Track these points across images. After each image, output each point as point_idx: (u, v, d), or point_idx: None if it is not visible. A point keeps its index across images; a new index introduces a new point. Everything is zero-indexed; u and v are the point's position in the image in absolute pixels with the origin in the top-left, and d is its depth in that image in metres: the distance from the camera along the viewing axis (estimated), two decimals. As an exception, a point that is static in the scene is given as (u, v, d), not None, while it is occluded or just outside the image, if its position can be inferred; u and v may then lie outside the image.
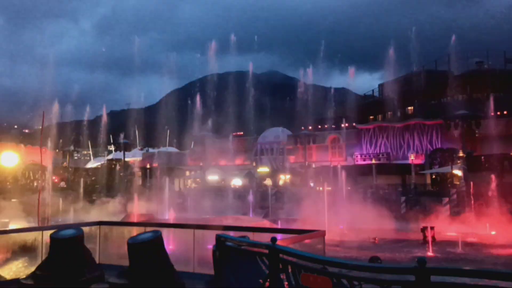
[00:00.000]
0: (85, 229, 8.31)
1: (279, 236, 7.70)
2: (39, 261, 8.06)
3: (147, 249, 6.59)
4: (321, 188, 42.38)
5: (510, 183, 37.07)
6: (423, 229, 23.94)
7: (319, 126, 65.70)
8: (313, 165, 58.05)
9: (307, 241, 7.82)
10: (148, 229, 7.64)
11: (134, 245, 6.66)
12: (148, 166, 43.61)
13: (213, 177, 56.02)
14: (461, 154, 44.87)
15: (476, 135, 52.99)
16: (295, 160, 62.89)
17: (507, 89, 61.22)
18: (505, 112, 56.44)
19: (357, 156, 61.17)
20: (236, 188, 54.96)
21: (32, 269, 7.86)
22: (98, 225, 9.59)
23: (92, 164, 49.87)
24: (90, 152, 56.27)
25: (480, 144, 52.68)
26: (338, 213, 28.74)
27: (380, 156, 59.11)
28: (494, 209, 27.26)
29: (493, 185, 33.97)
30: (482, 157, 46.72)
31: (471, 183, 38.60)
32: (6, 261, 11.63)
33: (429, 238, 23.24)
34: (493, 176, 36.63)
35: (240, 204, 38.95)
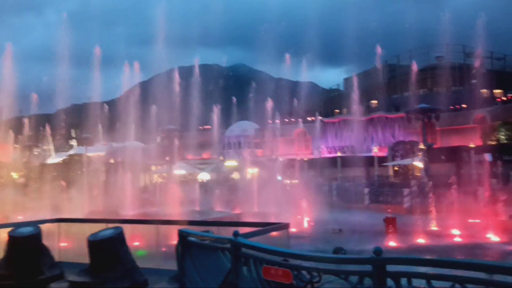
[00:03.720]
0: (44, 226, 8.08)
1: (244, 229, 7.72)
2: (-4, 261, 7.78)
3: (108, 246, 6.48)
4: (288, 181, 42.86)
5: (468, 174, 38.55)
6: (385, 220, 24.59)
7: (286, 120, 66.22)
8: (280, 158, 58.54)
9: (272, 233, 7.86)
10: (110, 225, 7.49)
11: (94, 242, 6.54)
12: (112, 161, 42.76)
13: (180, 172, 55.57)
14: (421, 146, 46.28)
15: (436, 128, 54.81)
16: (262, 153, 63.21)
17: (466, 83, 63.54)
18: (464, 106, 58.56)
19: (323, 149, 62.09)
20: (203, 182, 54.71)
21: (-12, 268, 7.59)
22: (57, 222, 9.35)
23: (53, 159, 48.46)
24: (51, 147, 54.61)
25: (440, 136, 54.52)
26: (304, 205, 29.11)
27: (345, 149, 60.23)
28: (453, 199, 28.26)
29: (452, 176, 35.15)
30: (441, 149, 48.30)
31: (431, 174, 39.89)
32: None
33: (391, 229, 23.90)
34: (452, 168, 37.99)
35: (207, 198, 38.83)
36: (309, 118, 66.84)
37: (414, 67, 59.93)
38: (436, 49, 73.99)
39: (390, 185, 42.17)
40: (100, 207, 27.25)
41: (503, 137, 48.63)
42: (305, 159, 53.14)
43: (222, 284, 4.93)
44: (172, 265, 6.60)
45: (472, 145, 42.56)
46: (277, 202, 30.16)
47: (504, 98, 64.44)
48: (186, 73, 59.51)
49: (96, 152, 44.77)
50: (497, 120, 51.34)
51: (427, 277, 3.33)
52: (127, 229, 7.09)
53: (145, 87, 52.85)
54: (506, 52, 77.05)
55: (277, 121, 62.71)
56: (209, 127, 70.61)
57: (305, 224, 27.23)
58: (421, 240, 21.11)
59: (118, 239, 6.63)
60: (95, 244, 6.50)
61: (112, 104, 50.38)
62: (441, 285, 3.58)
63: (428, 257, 3.58)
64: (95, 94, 46.02)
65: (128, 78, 47.13)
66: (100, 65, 44.62)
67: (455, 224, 25.89)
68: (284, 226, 8.10)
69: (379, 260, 3.45)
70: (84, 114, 47.62)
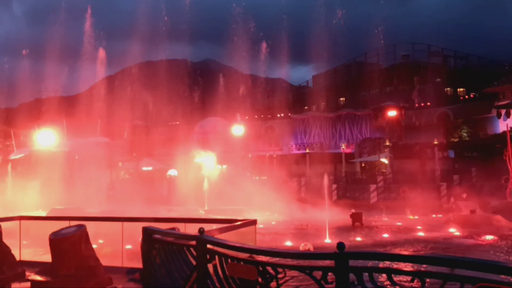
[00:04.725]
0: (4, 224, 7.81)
1: (211, 226, 7.68)
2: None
3: (70, 244, 6.32)
4: (257, 177, 42.97)
5: (432, 169, 39.72)
6: (352, 215, 25.09)
7: (256, 116, 66.30)
8: (250, 155, 58.56)
9: (240, 230, 7.85)
10: (73, 223, 7.31)
11: (56, 240, 6.36)
12: (76, 157, 41.69)
13: (147, 168, 54.77)
14: (387, 143, 47.26)
15: (402, 125, 56.12)
16: (232, 149, 63.01)
17: (430, 81, 65.27)
18: (428, 103, 60.15)
19: (292, 146, 62.51)
20: (171, 179, 54.12)
21: None
22: (19, 220, 9.06)
23: (15, 155, 46.80)
24: (13, 142, 52.76)
25: (405, 133, 55.81)
26: (272, 202, 29.29)
27: (314, 145, 60.82)
28: (417, 195, 29.07)
29: (416, 172, 36.16)
30: (406, 146, 49.51)
31: (396, 170, 40.85)
32: None
33: (358, 224, 24.39)
34: (416, 163, 38.95)
35: (175, 195, 38.43)
36: (278, 115, 67.14)
37: (381, 65, 61.20)
38: (402, 47, 75.75)
39: (357, 181, 42.94)
40: (63, 204, 26.57)
41: (465, 134, 50.27)
42: (274, 155, 53.39)
43: (187, 281, 4.89)
44: (137, 263, 6.50)
45: (435, 142, 43.77)
46: (246, 198, 30.23)
47: (467, 97, 66.63)
48: (154, 67, 58.69)
49: (60, 147, 43.55)
50: (459, 118, 53.00)
51: (388, 272, 3.40)
52: (90, 226, 6.94)
53: (112, 82, 51.82)
54: (469, 52, 79.78)
55: (246, 117, 62.71)
56: (178, 122, 69.91)
57: (273, 220, 27.40)
58: (386, 235, 21.60)
59: (81, 237, 6.48)
60: (57, 242, 6.33)
61: (77, 98, 49.17)
62: (402, 279, 3.66)
63: (391, 251, 3.66)
64: (60, 88, 44.83)
65: (94, 73, 46.05)
66: (65, 59, 43.49)
67: (419, 219, 26.69)
68: (251, 223, 8.11)
69: (342, 255, 3.50)
70: (48, 108, 46.28)
